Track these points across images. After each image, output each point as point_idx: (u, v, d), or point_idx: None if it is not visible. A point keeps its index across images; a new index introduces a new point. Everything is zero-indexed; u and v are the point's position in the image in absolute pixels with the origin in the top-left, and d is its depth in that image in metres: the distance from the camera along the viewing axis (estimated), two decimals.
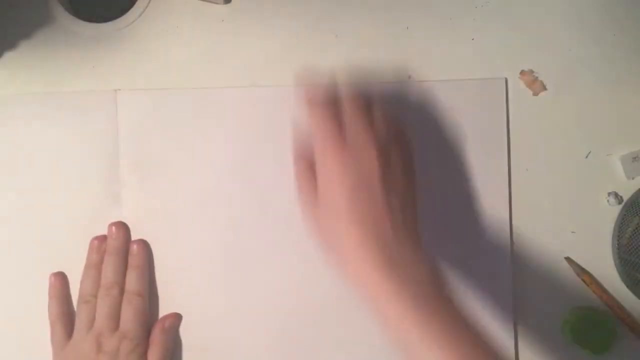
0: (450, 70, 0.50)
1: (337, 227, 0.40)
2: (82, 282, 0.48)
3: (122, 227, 0.49)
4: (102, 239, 0.49)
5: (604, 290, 0.49)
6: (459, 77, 0.50)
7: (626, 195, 0.50)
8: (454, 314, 0.37)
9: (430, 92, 0.50)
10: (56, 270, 0.49)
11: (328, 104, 0.43)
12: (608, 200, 0.50)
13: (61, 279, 0.49)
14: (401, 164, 0.43)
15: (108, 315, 0.47)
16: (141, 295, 0.47)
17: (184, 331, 0.49)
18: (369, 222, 0.39)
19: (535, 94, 0.51)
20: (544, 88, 0.51)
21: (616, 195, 0.50)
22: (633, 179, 0.50)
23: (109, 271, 0.48)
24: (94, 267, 0.48)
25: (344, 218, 0.39)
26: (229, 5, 0.50)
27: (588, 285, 0.49)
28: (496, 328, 0.49)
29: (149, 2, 0.50)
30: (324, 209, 0.41)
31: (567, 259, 0.50)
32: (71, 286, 0.49)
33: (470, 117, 0.50)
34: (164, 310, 0.49)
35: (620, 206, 0.50)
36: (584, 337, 0.48)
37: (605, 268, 0.50)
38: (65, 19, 0.50)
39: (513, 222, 0.50)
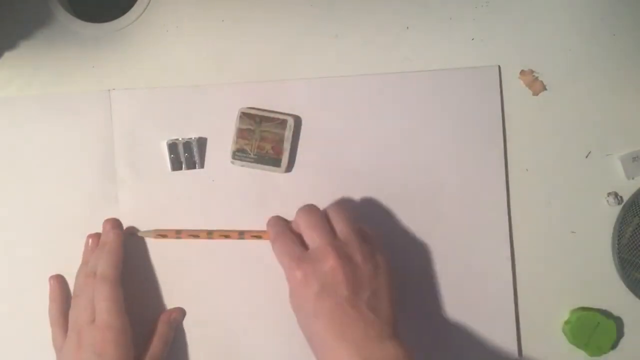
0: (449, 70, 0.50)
1: (311, 329, 0.42)
2: (75, 279, 0.48)
3: (115, 223, 0.49)
4: (97, 236, 0.49)
5: None
6: None
7: (626, 195, 0.50)
8: None
9: (424, 82, 0.50)
10: (54, 269, 0.49)
11: (281, 222, 0.47)
12: (608, 200, 0.50)
13: (60, 282, 0.49)
14: (369, 259, 0.42)
15: (85, 307, 0.45)
16: (108, 280, 0.45)
17: (183, 327, 0.49)
18: (341, 325, 0.40)
19: (535, 94, 0.51)
20: (544, 88, 0.51)
21: (616, 195, 0.50)
22: (633, 179, 0.50)
23: (90, 263, 0.47)
24: (88, 263, 0.47)
25: (316, 323, 0.41)
26: (228, 5, 0.50)
27: None
28: (497, 328, 0.49)
29: (149, 2, 0.50)
30: (299, 313, 0.43)
31: None
32: (70, 286, 0.49)
33: (465, 108, 0.50)
34: (159, 307, 0.49)
35: (620, 206, 0.50)
36: (584, 338, 0.48)
37: (605, 268, 0.50)
38: (65, 19, 0.50)
39: (513, 222, 0.50)
